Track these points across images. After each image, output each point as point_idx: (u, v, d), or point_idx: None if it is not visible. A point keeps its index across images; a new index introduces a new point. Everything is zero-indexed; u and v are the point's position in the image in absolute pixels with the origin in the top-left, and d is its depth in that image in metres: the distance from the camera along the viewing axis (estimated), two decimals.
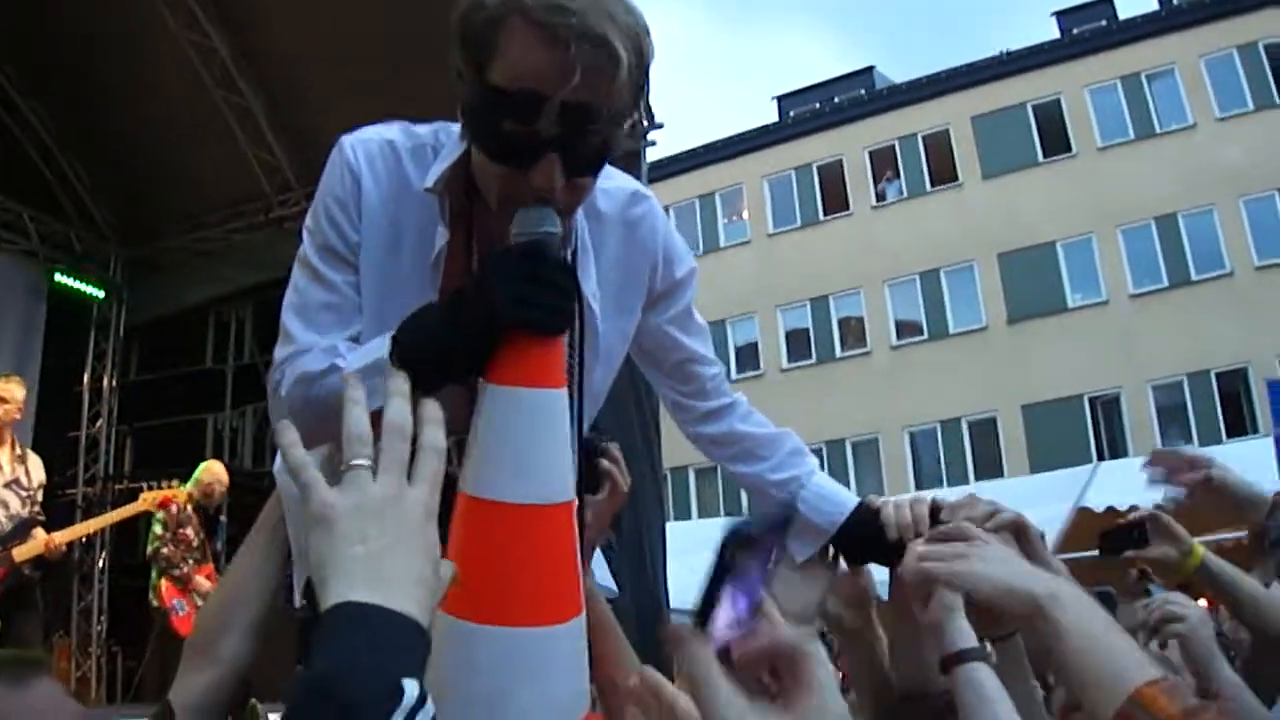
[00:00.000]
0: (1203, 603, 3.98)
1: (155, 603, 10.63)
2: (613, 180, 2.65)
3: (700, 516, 32.27)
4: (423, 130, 2.52)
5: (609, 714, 2.11)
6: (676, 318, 2.88)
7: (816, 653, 1.49)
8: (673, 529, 12.46)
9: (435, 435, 1.50)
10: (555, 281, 1.98)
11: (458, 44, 2.18)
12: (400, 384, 1.53)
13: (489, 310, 2.00)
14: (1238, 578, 3.66)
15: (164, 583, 10.65)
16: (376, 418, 1.93)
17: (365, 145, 2.50)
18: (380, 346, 2.16)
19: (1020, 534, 2.43)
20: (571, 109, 2.08)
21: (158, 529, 10.80)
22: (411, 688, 1.26)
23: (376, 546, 1.38)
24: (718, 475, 35.42)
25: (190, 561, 10.76)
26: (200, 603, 10.53)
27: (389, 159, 2.49)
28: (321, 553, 1.39)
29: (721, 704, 1.40)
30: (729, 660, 1.48)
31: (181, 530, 10.82)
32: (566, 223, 2.25)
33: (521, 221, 2.04)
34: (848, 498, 2.97)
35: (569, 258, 2.42)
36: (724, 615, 1.51)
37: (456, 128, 2.36)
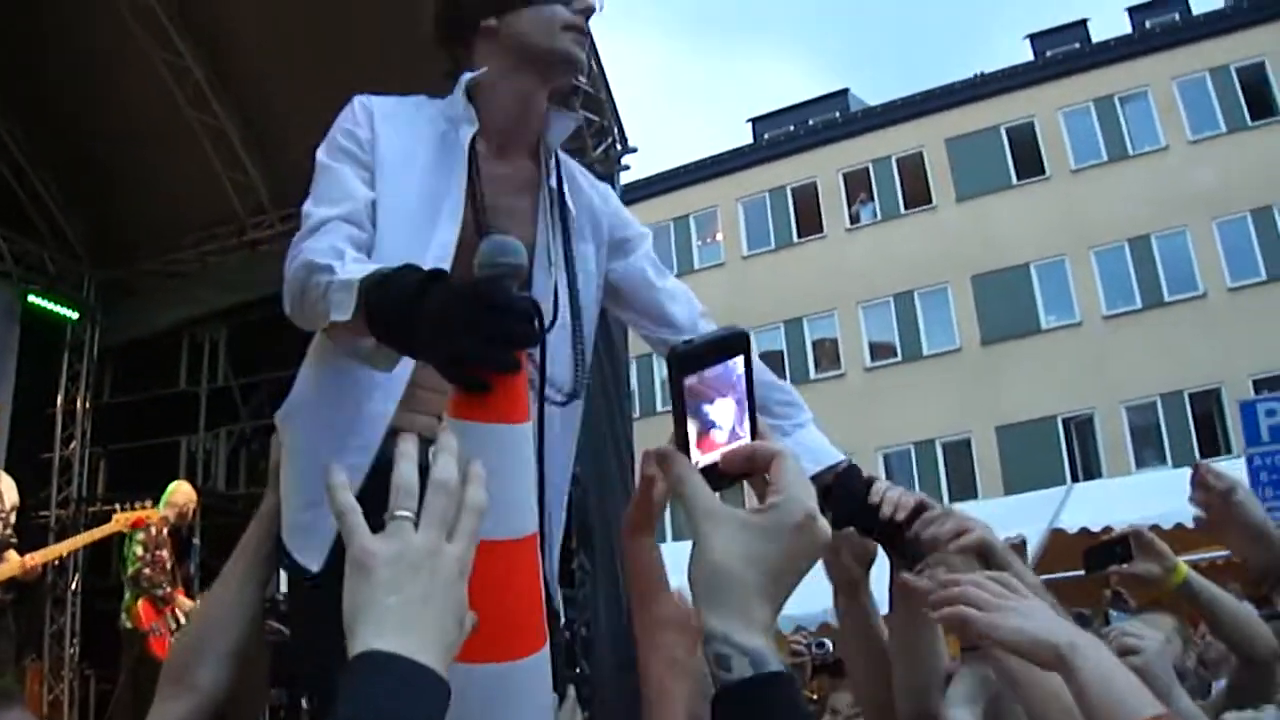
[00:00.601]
0: (1168, 622, 3.98)
1: (129, 625, 10.56)
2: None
3: (674, 539, 32.22)
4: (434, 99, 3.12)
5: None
6: (647, 256, 3.34)
7: (789, 456, 1.48)
8: None
9: (477, 494, 1.54)
10: (503, 331, 1.97)
11: None
12: (449, 440, 1.57)
13: (434, 354, 2.11)
14: (1219, 596, 3.69)
15: (141, 604, 10.59)
16: (345, 329, 2.44)
17: (375, 96, 3.07)
18: (360, 271, 2.43)
19: (987, 553, 2.54)
20: None
21: (138, 550, 10.75)
22: None
23: (410, 598, 1.41)
24: None
25: (165, 582, 10.73)
26: (179, 624, 10.52)
27: (397, 102, 3.08)
28: (356, 597, 1.42)
29: (700, 499, 1.45)
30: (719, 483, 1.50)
31: (159, 552, 10.79)
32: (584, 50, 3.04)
33: (486, 253, 2.04)
34: (833, 453, 3.22)
35: (554, 185, 3.09)
36: (694, 438, 1.48)
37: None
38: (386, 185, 2.87)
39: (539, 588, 2.03)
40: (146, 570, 10.63)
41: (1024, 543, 15.25)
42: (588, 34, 3.04)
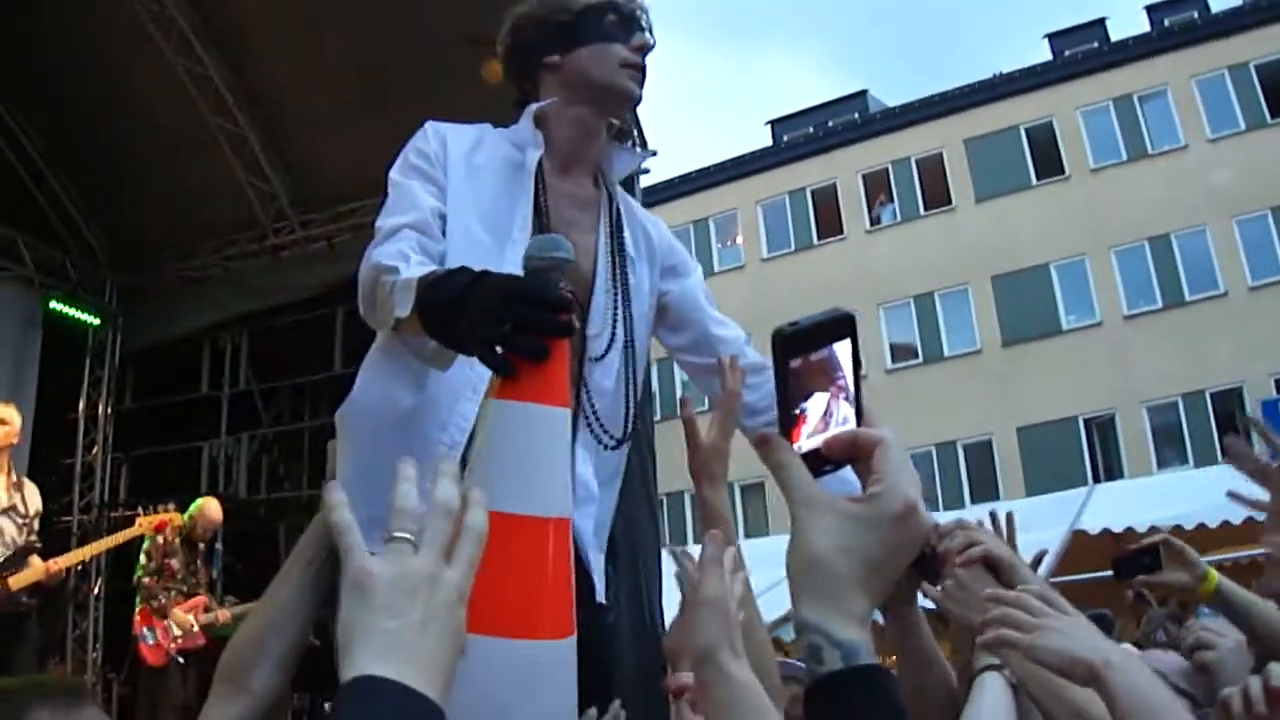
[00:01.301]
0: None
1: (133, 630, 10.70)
2: None
3: (697, 542, 32.11)
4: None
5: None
6: (699, 283, 3.63)
7: (893, 444, 1.46)
8: (669, 556, 12.46)
9: (478, 518, 1.52)
10: (534, 320, 2.08)
11: (541, 5, 3.35)
12: (450, 466, 1.55)
13: (469, 341, 2.32)
14: (1253, 603, 3.66)
15: (139, 611, 10.68)
16: (407, 326, 2.58)
17: (445, 122, 3.29)
18: (419, 272, 2.62)
19: (994, 566, 2.58)
20: (646, 10, 3.37)
21: (143, 558, 10.83)
22: None
23: (409, 623, 1.39)
24: None
25: (173, 593, 10.76)
26: (177, 633, 10.56)
27: (467, 128, 3.31)
28: (352, 619, 1.39)
29: (800, 486, 1.42)
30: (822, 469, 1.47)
31: (168, 560, 10.83)
32: (641, 89, 3.34)
33: (532, 247, 2.19)
34: None
35: (614, 211, 3.39)
36: (798, 424, 1.45)
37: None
38: (458, 203, 3.07)
39: (568, 572, 2.05)
40: (146, 580, 10.71)
41: (1039, 558, 15.10)
42: (644, 70, 3.34)
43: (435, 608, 1.41)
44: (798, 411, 1.46)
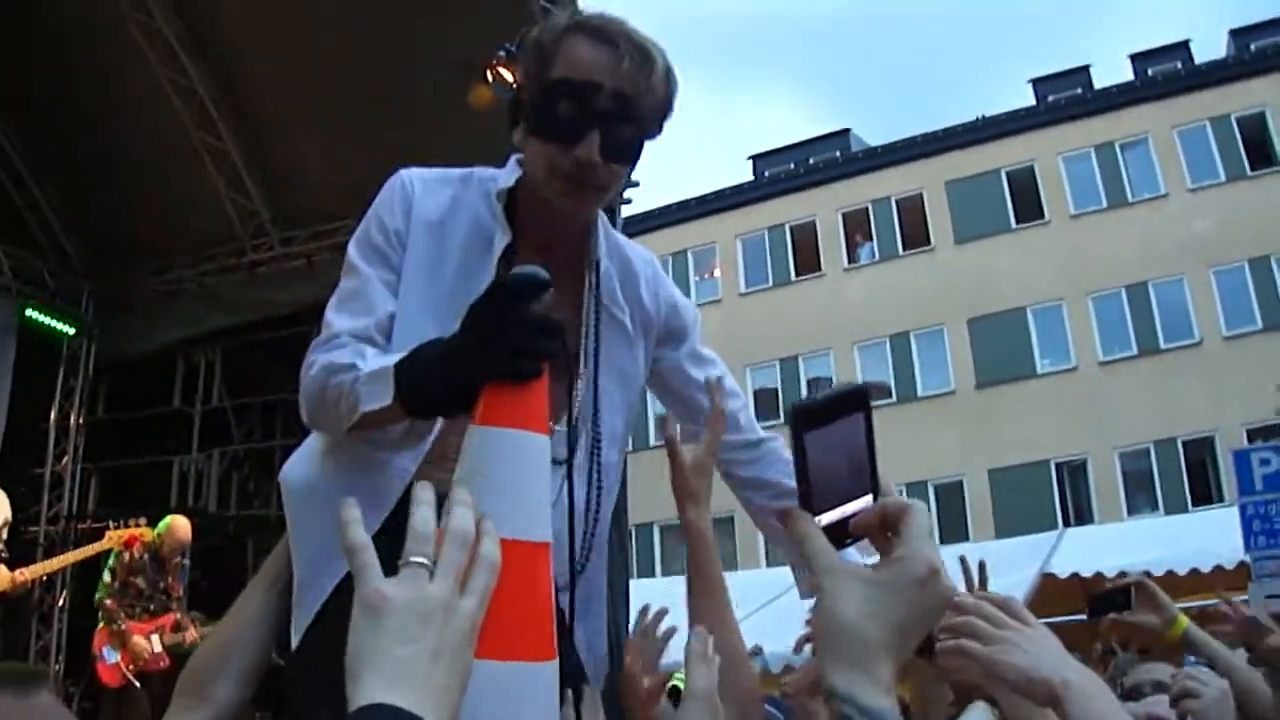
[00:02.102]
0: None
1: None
2: (623, 239, 3.18)
3: (664, 574, 32.13)
4: (464, 169, 2.96)
5: None
6: (691, 352, 3.27)
7: (920, 511, 1.47)
8: (637, 586, 12.45)
9: (492, 550, 1.52)
10: (526, 325, 2.09)
11: (527, 57, 2.76)
12: (464, 495, 1.54)
13: (462, 358, 2.19)
14: (1219, 650, 3.70)
15: (99, 629, 10.65)
16: (368, 418, 2.44)
17: (419, 173, 2.91)
18: (391, 359, 2.43)
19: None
20: (614, 95, 2.62)
21: (106, 577, 10.79)
22: None
23: (422, 651, 1.37)
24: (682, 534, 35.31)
25: (138, 610, 10.72)
26: (137, 657, 10.52)
27: (440, 182, 2.90)
28: (363, 642, 1.37)
29: (823, 556, 1.43)
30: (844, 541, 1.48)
31: (132, 579, 10.79)
32: (599, 201, 2.81)
33: (514, 274, 2.17)
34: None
35: (595, 277, 2.94)
36: (817, 495, 1.47)
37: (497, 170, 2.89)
38: (414, 290, 2.80)
39: (549, 597, 2.06)
40: (109, 601, 10.68)
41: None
42: (590, 186, 2.70)
43: (448, 638, 1.40)
44: (817, 484, 1.47)
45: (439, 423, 2.60)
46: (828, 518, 1.47)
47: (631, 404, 3.11)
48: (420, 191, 2.86)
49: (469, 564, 1.48)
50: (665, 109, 2.77)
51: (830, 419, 1.46)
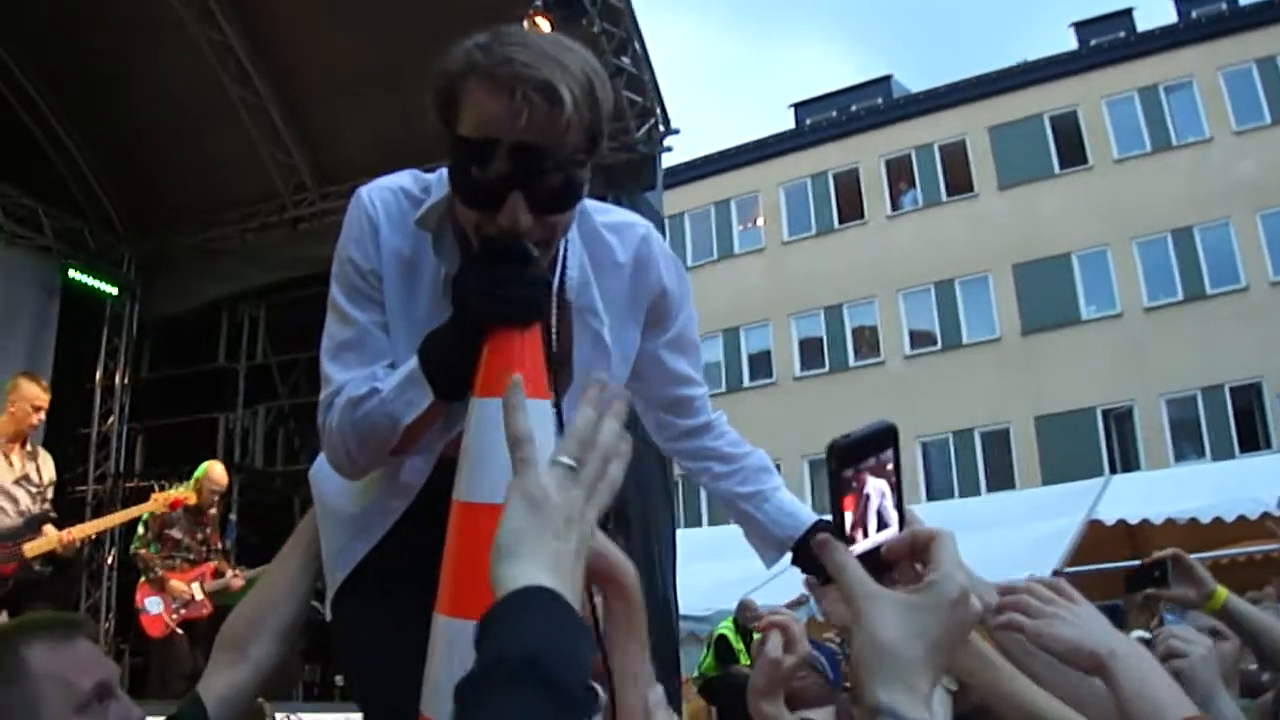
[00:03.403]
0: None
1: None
2: (612, 215, 2.94)
3: (710, 524, 32.21)
4: (430, 176, 2.73)
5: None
6: (671, 341, 3.10)
7: (948, 537, 1.59)
8: (682, 536, 12.47)
9: (618, 470, 1.60)
10: (513, 275, 2.23)
11: (433, 106, 2.47)
12: (622, 409, 1.61)
13: (457, 316, 2.29)
14: (1261, 620, 3.66)
15: (140, 583, 10.76)
16: (410, 430, 2.46)
17: (380, 193, 2.73)
18: (411, 364, 2.46)
19: None
20: (523, 149, 2.33)
21: (140, 529, 10.89)
22: (602, 693, 1.35)
23: (568, 549, 1.48)
24: None
25: (178, 560, 10.81)
26: (176, 604, 10.63)
27: (403, 205, 2.70)
28: (521, 530, 1.47)
29: (859, 584, 1.52)
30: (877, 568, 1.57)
31: (167, 531, 10.88)
32: (544, 257, 2.48)
33: None
34: (806, 515, 3.25)
35: (558, 282, 2.65)
36: (851, 526, 1.57)
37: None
38: (393, 310, 2.72)
39: None
40: (143, 552, 10.81)
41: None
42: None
43: (583, 540, 1.52)
44: (850, 517, 1.57)
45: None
46: (860, 547, 1.58)
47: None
48: (385, 224, 2.70)
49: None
50: (595, 135, 2.47)
51: (863, 455, 1.57)
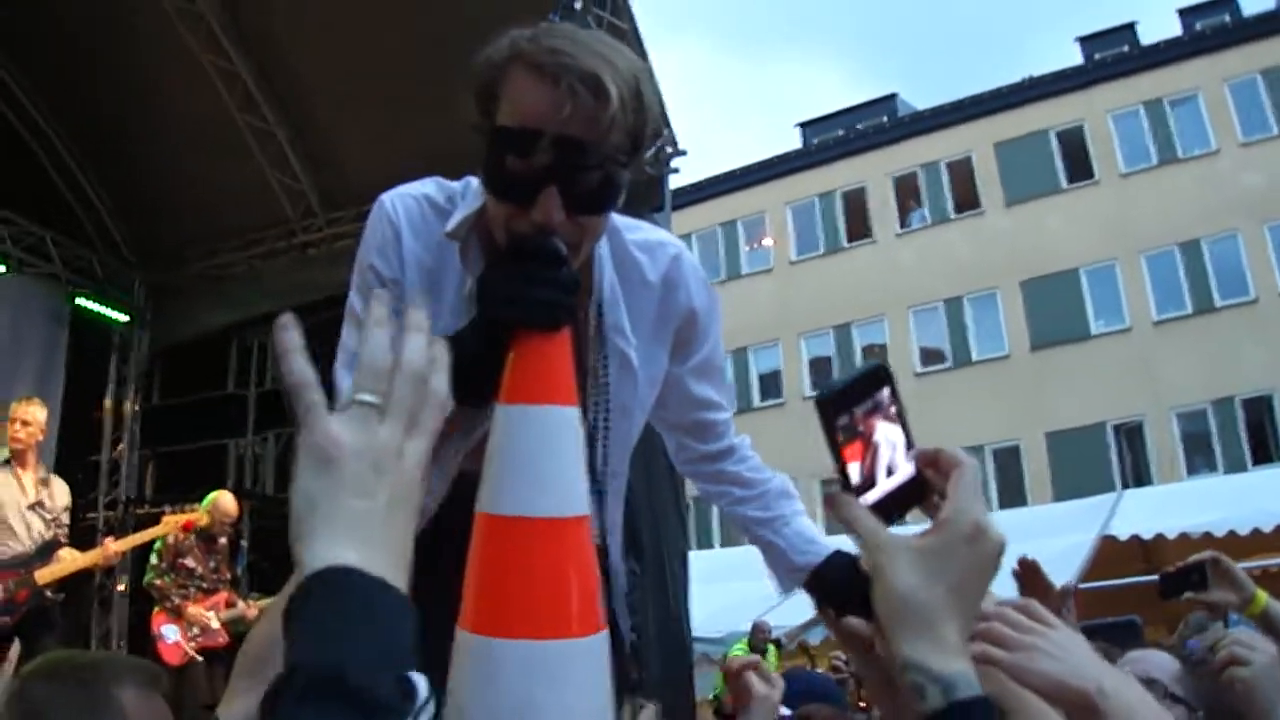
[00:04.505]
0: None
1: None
2: (642, 232, 2.85)
3: (723, 545, 32.20)
4: (455, 184, 2.68)
5: None
6: (697, 367, 3.00)
7: (972, 465, 1.50)
8: (695, 557, 12.45)
9: (442, 384, 1.36)
10: (544, 276, 2.09)
11: (473, 96, 2.36)
12: (421, 319, 1.38)
13: (481, 316, 2.15)
14: None
15: (155, 611, 10.73)
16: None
17: (403, 200, 2.66)
18: None
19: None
20: (565, 142, 2.22)
21: (153, 559, 10.85)
22: (421, 684, 1.12)
23: (379, 504, 1.24)
24: None
25: (192, 589, 10.79)
26: (195, 631, 10.61)
27: (426, 213, 2.64)
28: (314, 495, 1.23)
29: (872, 535, 1.44)
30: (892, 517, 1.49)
31: (181, 560, 10.86)
32: (574, 259, 2.32)
33: None
34: (824, 545, 3.11)
35: (596, 309, 2.63)
36: (861, 478, 1.48)
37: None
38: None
39: (591, 568, 2.02)
40: (158, 582, 10.75)
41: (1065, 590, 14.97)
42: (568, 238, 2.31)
43: (399, 487, 1.27)
44: (856, 467, 1.47)
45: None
46: (872, 496, 1.48)
47: (635, 434, 2.94)
48: (408, 231, 2.64)
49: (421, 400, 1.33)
50: (638, 139, 2.35)
51: (856, 400, 1.47)
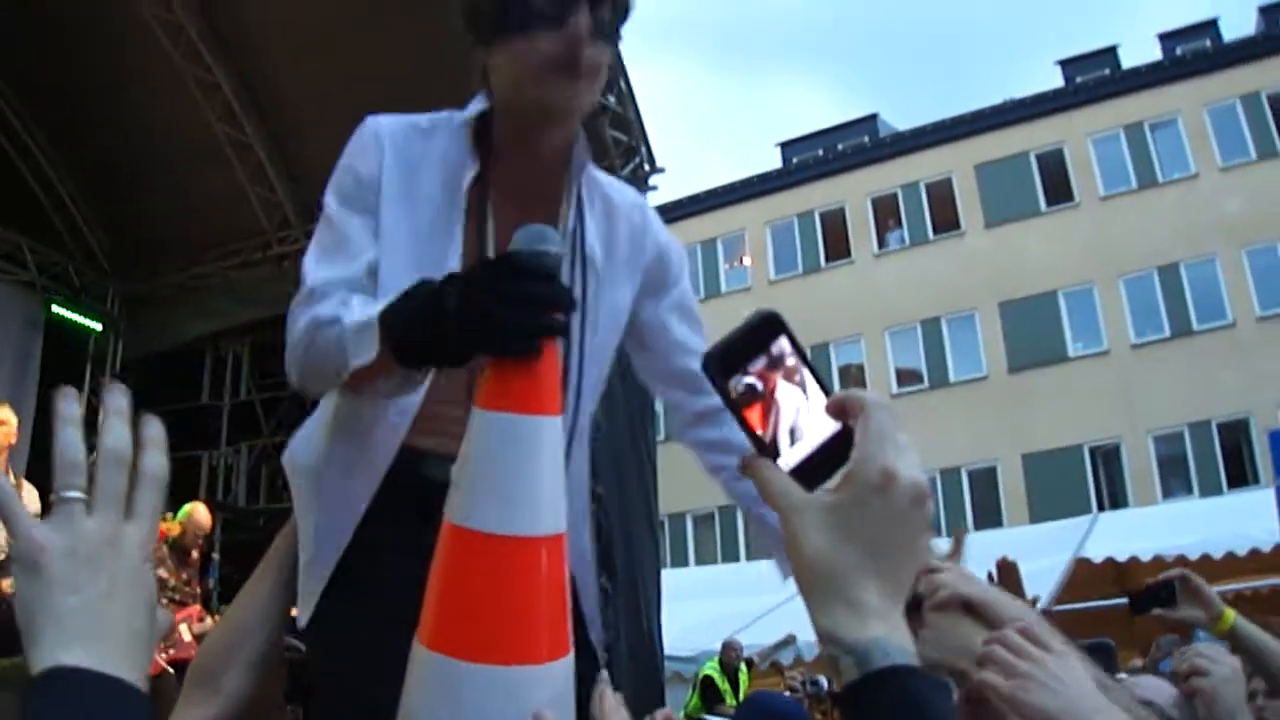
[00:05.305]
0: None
1: None
2: (619, 183, 3.04)
3: (697, 564, 32.19)
4: (440, 114, 2.78)
5: None
6: (675, 306, 3.07)
7: (877, 403, 1.31)
8: (668, 575, 12.42)
9: (156, 462, 1.34)
10: (531, 298, 1.94)
11: None
12: (120, 402, 1.35)
13: (460, 332, 2.05)
14: (1267, 644, 3.60)
15: None
16: (366, 372, 2.30)
17: (388, 119, 2.75)
18: (374, 314, 2.28)
19: (970, 608, 2.32)
20: None
21: None
22: None
23: (91, 596, 1.23)
24: (715, 522, 35.36)
25: (164, 600, 10.71)
26: (166, 643, 10.53)
27: (409, 130, 2.73)
28: (29, 602, 1.22)
29: (783, 498, 1.28)
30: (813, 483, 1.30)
31: (155, 571, 10.76)
32: (597, 91, 2.59)
33: (521, 239, 1.99)
34: None
35: (579, 215, 2.77)
36: (770, 438, 1.31)
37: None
38: (390, 239, 2.66)
39: (562, 591, 1.95)
40: None
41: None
42: (583, 70, 2.51)
43: (120, 574, 1.25)
44: (766, 429, 1.33)
45: (432, 372, 2.40)
46: (792, 459, 1.32)
47: (610, 351, 2.96)
48: (389, 139, 2.71)
49: (133, 482, 1.31)
50: None
51: (748, 357, 1.34)
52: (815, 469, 1.32)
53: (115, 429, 1.31)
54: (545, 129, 2.66)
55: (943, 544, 2.74)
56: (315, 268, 2.63)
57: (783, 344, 1.35)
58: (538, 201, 2.72)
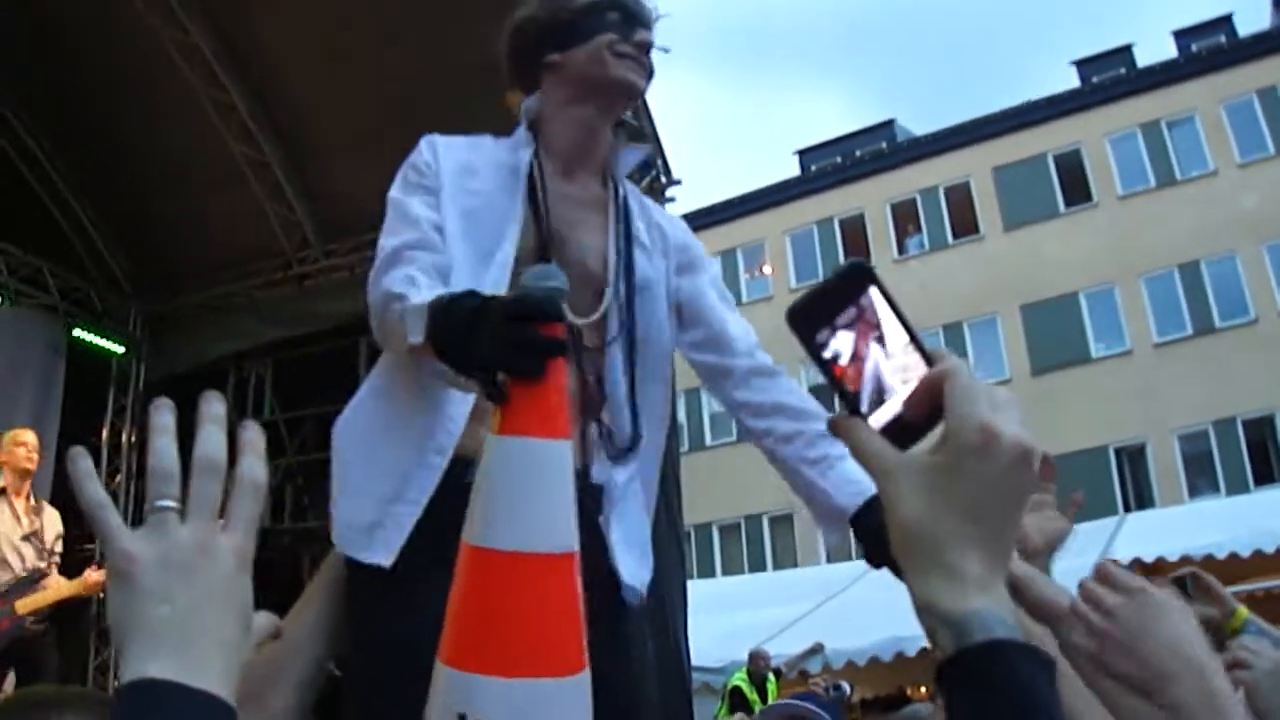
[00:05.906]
0: None
1: None
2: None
3: (724, 574, 32.17)
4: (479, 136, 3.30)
5: None
6: (714, 282, 3.46)
7: (959, 372, 1.23)
8: (694, 586, 12.41)
9: (255, 469, 1.34)
10: (532, 344, 2.11)
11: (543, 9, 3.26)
12: (216, 409, 1.35)
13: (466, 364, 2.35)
14: None
15: None
16: (423, 349, 2.52)
17: (443, 136, 3.22)
18: (427, 301, 2.54)
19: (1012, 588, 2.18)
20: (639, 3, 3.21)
21: None
22: None
23: (182, 606, 1.21)
24: (741, 533, 35.36)
25: None
26: None
27: (461, 142, 3.22)
28: (119, 612, 1.21)
29: (877, 460, 1.24)
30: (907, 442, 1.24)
31: None
32: (646, 86, 3.24)
33: (530, 276, 2.22)
34: (869, 486, 2.99)
35: (621, 195, 3.28)
36: (859, 396, 1.26)
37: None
38: (451, 204, 3.02)
39: (575, 606, 2.00)
40: None
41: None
42: (647, 65, 3.21)
43: (214, 585, 1.24)
44: (857, 386, 1.27)
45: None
46: (883, 417, 1.27)
47: (660, 313, 3.24)
48: (444, 143, 3.18)
49: (230, 491, 1.31)
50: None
51: (836, 310, 1.28)
52: (906, 428, 1.27)
53: (211, 436, 1.31)
54: (607, 114, 3.29)
55: None
56: (387, 239, 2.98)
57: (872, 296, 1.29)
58: (584, 182, 3.29)
